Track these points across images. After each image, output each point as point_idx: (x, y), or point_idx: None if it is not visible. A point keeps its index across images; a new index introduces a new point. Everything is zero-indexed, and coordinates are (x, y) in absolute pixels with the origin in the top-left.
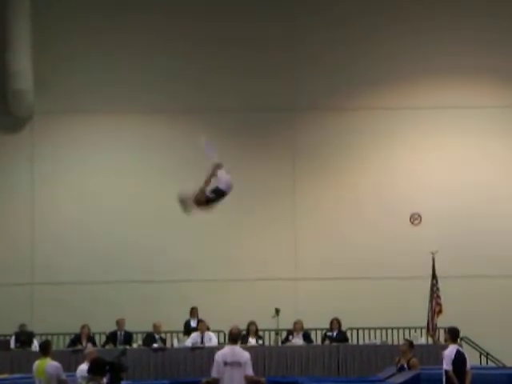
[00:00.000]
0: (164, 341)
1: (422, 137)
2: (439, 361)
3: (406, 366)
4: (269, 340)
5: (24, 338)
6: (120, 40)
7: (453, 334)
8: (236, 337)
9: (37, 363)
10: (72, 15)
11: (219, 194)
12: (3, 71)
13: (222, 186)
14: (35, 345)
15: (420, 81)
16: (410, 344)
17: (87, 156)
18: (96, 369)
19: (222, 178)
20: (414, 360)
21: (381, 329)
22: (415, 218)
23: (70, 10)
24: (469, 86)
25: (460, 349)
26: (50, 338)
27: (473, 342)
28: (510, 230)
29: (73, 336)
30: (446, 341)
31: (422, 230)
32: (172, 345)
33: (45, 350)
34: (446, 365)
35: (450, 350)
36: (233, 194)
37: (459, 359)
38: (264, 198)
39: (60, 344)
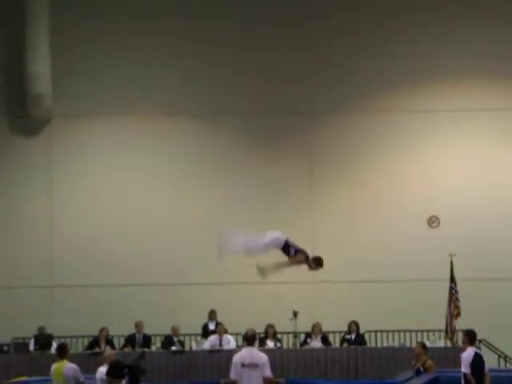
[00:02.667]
0: (182, 344)
1: (440, 139)
2: (458, 364)
3: (422, 368)
4: (287, 343)
5: (43, 340)
6: (138, 42)
7: (470, 337)
8: (252, 339)
9: (54, 366)
10: (89, 18)
11: (288, 246)
12: (22, 75)
13: (280, 245)
14: (54, 347)
15: (437, 83)
16: (423, 346)
17: (105, 159)
18: (115, 372)
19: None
20: (430, 362)
21: (399, 332)
22: (433, 221)
23: (88, 13)
24: (486, 88)
25: (478, 351)
26: (68, 340)
27: (491, 345)
28: None
29: (91, 339)
30: (463, 343)
31: (440, 232)
32: (190, 347)
33: (62, 352)
34: (465, 368)
35: (468, 353)
36: (251, 197)
37: (477, 362)
38: (281, 201)
39: (79, 347)
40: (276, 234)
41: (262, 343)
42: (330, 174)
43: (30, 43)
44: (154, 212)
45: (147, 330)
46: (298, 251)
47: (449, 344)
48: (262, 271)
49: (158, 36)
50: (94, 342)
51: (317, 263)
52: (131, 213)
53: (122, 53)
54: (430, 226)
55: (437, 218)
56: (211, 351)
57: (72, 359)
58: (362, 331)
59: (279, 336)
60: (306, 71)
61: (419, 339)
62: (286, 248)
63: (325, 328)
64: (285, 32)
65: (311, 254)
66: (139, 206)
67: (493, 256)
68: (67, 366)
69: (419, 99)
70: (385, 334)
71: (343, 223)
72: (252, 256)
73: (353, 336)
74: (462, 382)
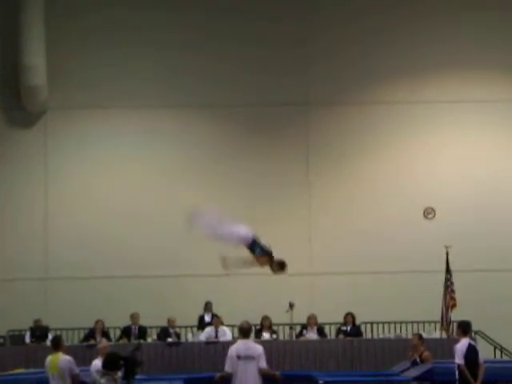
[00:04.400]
0: (178, 335)
1: (437, 131)
2: (453, 355)
3: (418, 359)
4: (283, 334)
5: (39, 332)
6: (133, 35)
7: (464, 328)
8: (247, 331)
9: (49, 358)
10: (85, 11)
11: (255, 245)
12: (17, 67)
13: (249, 241)
14: (50, 339)
15: (434, 75)
16: (420, 337)
17: (100, 151)
18: (110, 363)
19: (240, 237)
20: (427, 354)
21: (395, 323)
22: (429, 213)
23: (83, 6)
24: (485, 79)
25: (472, 342)
26: (64, 332)
27: (487, 336)
28: None
29: (87, 331)
30: (457, 335)
31: (436, 223)
32: (186, 339)
33: (56, 345)
34: (458, 359)
35: (462, 344)
36: (247, 187)
37: (471, 353)
38: (278, 192)
39: (74, 339)
40: (244, 230)
41: (258, 335)
42: (328, 165)
43: (26, 35)
44: (150, 203)
45: (143, 322)
46: (264, 252)
47: (444, 335)
48: (224, 262)
49: (156, 28)
50: (90, 334)
51: (280, 267)
52: (127, 204)
53: (119, 45)
54: (425, 217)
55: (433, 210)
56: (207, 343)
57: (67, 351)
58: (357, 323)
59: (275, 328)
60: (304, 63)
61: (415, 330)
62: (253, 246)
63: (320, 320)
64: (282, 24)
65: (276, 257)
66: (135, 197)
67: (488, 247)
68: (62, 359)
69: (417, 91)
70: (381, 325)
71: (340, 215)
72: (218, 241)
73: (349, 327)
74: (456, 373)
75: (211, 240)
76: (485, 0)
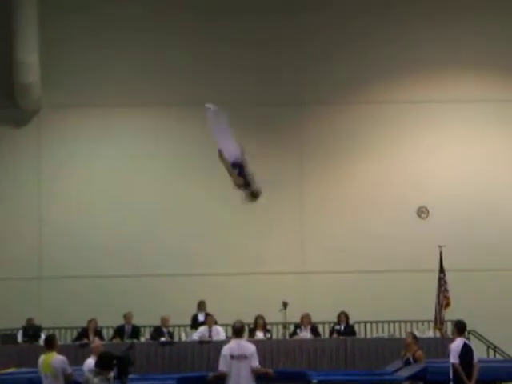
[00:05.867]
0: (172, 335)
1: (430, 130)
2: (447, 354)
3: (411, 359)
4: (277, 333)
5: (31, 332)
6: (128, 34)
7: (459, 328)
8: (240, 331)
9: (42, 358)
10: (79, 8)
11: (238, 166)
12: (10, 64)
13: (233, 159)
14: (43, 339)
15: (426, 75)
16: (414, 336)
17: (94, 149)
18: (104, 363)
19: (229, 150)
20: (420, 353)
21: (388, 322)
22: (422, 212)
23: (77, 3)
24: (476, 79)
25: (467, 342)
26: (57, 332)
27: (481, 336)
28: None
29: (80, 330)
30: (452, 334)
31: (429, 223)
32: (180, 339)
33: (50, 344)
34: (453, 358)
35: (457, 344)
36: None
37: (466, 352)
38: (271, 191)
39: (67, 338)
40: (238, 150)
41: (252, 334)
42: (321, 165)
43: (19, 32)
44: (144, 202)
45: (136, 321)
46: (244, 175)
47: (438, 334)
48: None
49: (149, 29)
50: (83, 334)
51: (252, 196)
52: (120, 203)
53: (112, 44)
54: (419, 216)
55: (426, 209)
56: (201, 342)
57: (60, 350)
58: (351, 322)
59: (269, 327)
60: (297, 63)
61: (408, 330)
62: (237, 165)
63: (314, 319)
64: (275, 24)
65: (255, 187)
66: (129, 196)
67: (482, 247)
68: (55, 358)
69: (409, 90)
70: (374, 324)
71: (333, 214)
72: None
73: (342, 327)
74: (451, 372)
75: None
76: (477, 0)
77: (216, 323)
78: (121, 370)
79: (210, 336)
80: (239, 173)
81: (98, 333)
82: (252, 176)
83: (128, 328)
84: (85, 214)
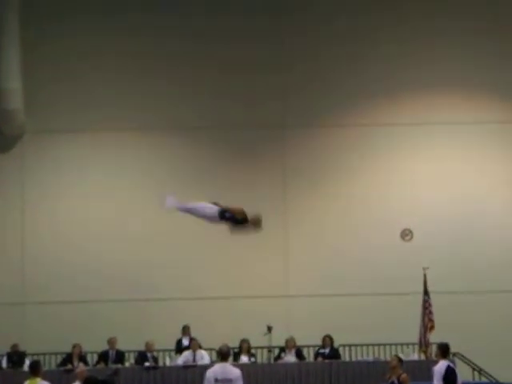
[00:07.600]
0: (156, 359)
1: (413, 153)
2: (431, 377)
3: (396, 382)
4: (261, 357)
5: (16, 358)
6: (109, 60)
7: (443, 350)
8: (226, 354)
9: (27, 383)
10: (61, 35)
11: (224, 215)
12: None
13: (216, 214)
14: (27, 365)
15: (409, 97)
16: (399, 359)
17: (78, 175)
18: None
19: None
20: (404, 376)
21: (373, 345)
22: (406, 234)
23: (60, 30)
24: (459, 102)
25: (451, 364)
26: (41, 357)
27: (466, 358)
28: (503, 244)
29: (64, 355)
30: (436, 356)
31: (413, 245)
32: (164, 363)
33: (34, 370)
34: (437, 381)
35: (440, 366)
36: None
37: (450, 375)
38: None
39: (52, 364)
40: (209, 205)
41: (237, 358)
42: (303, 188)
43: (1, 59)
44: (128, 228)
45: (120, 346)
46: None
47: (423, 357)
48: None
49: (136, 54)
50: (67, 359)
51: (256, 223)
52: (104, 229)
53: (95, 69)
54: (403, 239)
55: (410, 231)
56: (185, 367)
57: (45, 376)
58: (336, 345)
59: (253, 351)
60: (280, 87)
61: (393, 353)
62: (223, 214)
63: (299, 342)
64: (259, 48)
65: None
66: (112, 221)
67: (466, 269)
68: None
69: (391, 113)
70: (359, 347)
71: (316, 236)
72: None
73: (327, 350)
74: None
75: (183, 213)
76: (473, 20)
77: (200, 347)
78: None
79: (194, 360)
80: (229, 218)
81: (83, 358)
82: (240, 210)
83: (112, 353)
84: (69, 239)
